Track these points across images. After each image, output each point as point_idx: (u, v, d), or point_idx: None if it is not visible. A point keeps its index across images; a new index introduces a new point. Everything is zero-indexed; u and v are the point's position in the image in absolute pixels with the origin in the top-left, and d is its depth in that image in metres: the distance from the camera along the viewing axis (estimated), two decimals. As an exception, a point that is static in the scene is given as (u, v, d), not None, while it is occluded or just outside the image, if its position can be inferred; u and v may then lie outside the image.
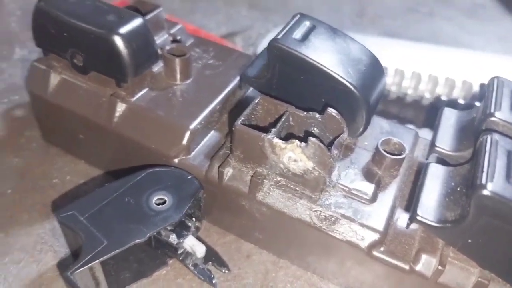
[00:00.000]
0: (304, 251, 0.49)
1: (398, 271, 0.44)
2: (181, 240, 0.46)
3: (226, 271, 0.48)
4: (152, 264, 0.49)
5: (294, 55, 0.47)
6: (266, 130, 0.45)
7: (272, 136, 0.44)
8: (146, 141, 0.51)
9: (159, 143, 0.50)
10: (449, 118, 0.51)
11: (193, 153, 0.51)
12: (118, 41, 0.49)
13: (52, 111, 0.56)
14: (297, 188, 0.46)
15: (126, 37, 0.49)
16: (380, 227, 0.44)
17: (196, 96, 0.54)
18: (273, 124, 0.46)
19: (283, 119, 0.46)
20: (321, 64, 0.47)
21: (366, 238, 0.44)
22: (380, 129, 0.54)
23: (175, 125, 0.50)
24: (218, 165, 0.48)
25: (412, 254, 0.44)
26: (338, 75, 0.47)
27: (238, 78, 0.56)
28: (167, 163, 0.50)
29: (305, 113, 0.47)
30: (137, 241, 0.43)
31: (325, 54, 0.48)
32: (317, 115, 0.47)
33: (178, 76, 0.55)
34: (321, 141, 0.43)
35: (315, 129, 0.48)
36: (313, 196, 0.45)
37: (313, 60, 0.47)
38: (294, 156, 0.44)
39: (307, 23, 0.51)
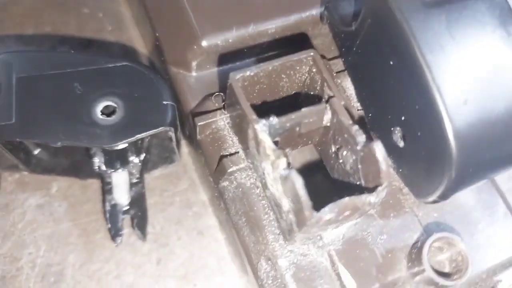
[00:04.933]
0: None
1: None
2: (107, 171, 0.34)
3: (142, 240, 0.36)
4: (86, 169, 0.38)
5: (399, 24, 0.26)
6: (270, 109, 0.27)
7: (263, 127, 0.26)
8: (154, 21, 0.36)
9: (165, 34, 0.36)
10: None
11: (195, 74, 0.35)
12: None
13: None
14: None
15: None
16: None
17: None
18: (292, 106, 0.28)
19: (307, 108, 0.28)
20: (428, 65, 0.25)
21: None
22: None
23: (189, 25, 0.33)
24: (201, 114, 0.32)
25: None
26: (442, 98, 0.25)
27: None
28: (162, 67, 0.36)
29: (350, 123, 0.27)
30: (47, 142, 0.32)
31: (450, 48, 0.26)
32: (360, 137, 0.27)
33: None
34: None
35: (344, 152, 0.28)
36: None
37: (421, 51, 0.25)
38: (272, 175, 0.26)
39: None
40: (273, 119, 0.27)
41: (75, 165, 0.38)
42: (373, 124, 0.32)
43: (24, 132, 0.32)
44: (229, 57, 0.35)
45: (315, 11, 0.35)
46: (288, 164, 0.25)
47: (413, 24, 0.26)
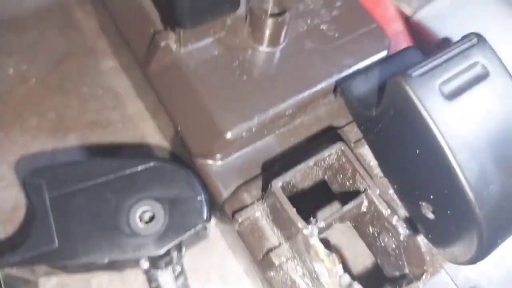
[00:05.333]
0: None
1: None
2: (151, 271, 0.35)
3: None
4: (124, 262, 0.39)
5: (421, 116, 0.28)
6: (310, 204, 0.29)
7: (312, 232, 0.28)
8: (174, 116, 0.37)
9: (186, 128, 0.36)
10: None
11: (222, 162, 0.36)
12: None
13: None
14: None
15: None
16: None
17: (270, 80, 0.36)
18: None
19: (350, 205, 0.29)
20: (453, 153, 0.27)
21: None
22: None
23: (212, 120, 0.34)
24: (239, 205, 0.34)
25: None
26: (470, 187, 0.27)
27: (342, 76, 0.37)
28: (187, 158, 0.37)
29: (389, 213, 0.29)
30: (95, 261, 0.33)
31: (473, 139, 0.28)
32: (402, 230, 0.29)
33: (263, 39, 0.37)
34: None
35: (385, 239, 0.30)
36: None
37: (445, 142, 0.27)
38: (329, 279, 0.28)
39: (479, 63, 0.29)
40: (320, 222, 0.29)
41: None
42: (399, 195, 0.34)
43: (69, 255, 0.32)
44: (251, 139, 0.36)
45: (325, 84, 0.37)
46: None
47: (437, 118, 0.28)
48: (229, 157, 0.36)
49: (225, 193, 0.35)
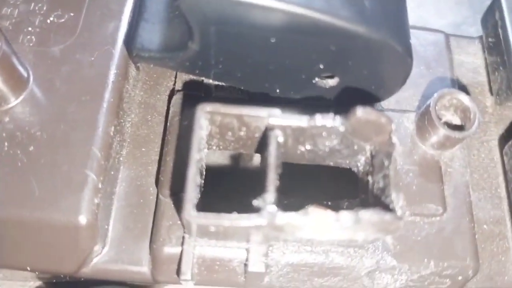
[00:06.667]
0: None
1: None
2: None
3: None
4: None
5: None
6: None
7: (272, 213, 0.25)
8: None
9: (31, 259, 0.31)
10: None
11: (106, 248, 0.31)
12: None
13: None
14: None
15: None
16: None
17: (58, 138, 0.30)
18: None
19: (271, 159, 0.27)
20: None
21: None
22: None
23: (52, 225, 0.28)
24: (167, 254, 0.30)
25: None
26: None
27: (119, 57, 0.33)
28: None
29: (314, 121, 0.27)
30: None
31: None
32: (337, 121, 0.27)
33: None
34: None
35: (327, 142, 0.28)
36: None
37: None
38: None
39: None
40: (268, 195, 0.25)
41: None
42: (284, 93, 0.33)
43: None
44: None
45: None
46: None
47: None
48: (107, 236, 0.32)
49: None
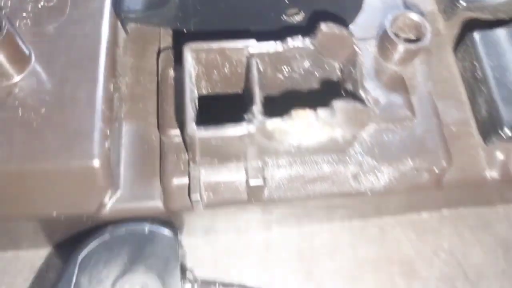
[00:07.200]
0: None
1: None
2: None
3: None
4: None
5: None
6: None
7: (261, 121, 0.29)
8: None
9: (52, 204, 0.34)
10: None
11: (120, 190, 0.35)
12: None
13: None
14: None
15: None
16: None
17: (65, 98, 0.34)
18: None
19: (254, 78, 0.31)
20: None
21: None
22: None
23: (71, 171, 0.32)
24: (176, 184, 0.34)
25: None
26: None
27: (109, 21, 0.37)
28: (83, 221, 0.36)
29: (287, 44, 0.32)
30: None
31: None
32: (307, 41, 0.32)
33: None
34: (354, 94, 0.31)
35: (305, 62, 0.33)
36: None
37: None
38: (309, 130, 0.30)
39: None
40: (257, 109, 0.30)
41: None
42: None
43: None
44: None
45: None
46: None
47: None
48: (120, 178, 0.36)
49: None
